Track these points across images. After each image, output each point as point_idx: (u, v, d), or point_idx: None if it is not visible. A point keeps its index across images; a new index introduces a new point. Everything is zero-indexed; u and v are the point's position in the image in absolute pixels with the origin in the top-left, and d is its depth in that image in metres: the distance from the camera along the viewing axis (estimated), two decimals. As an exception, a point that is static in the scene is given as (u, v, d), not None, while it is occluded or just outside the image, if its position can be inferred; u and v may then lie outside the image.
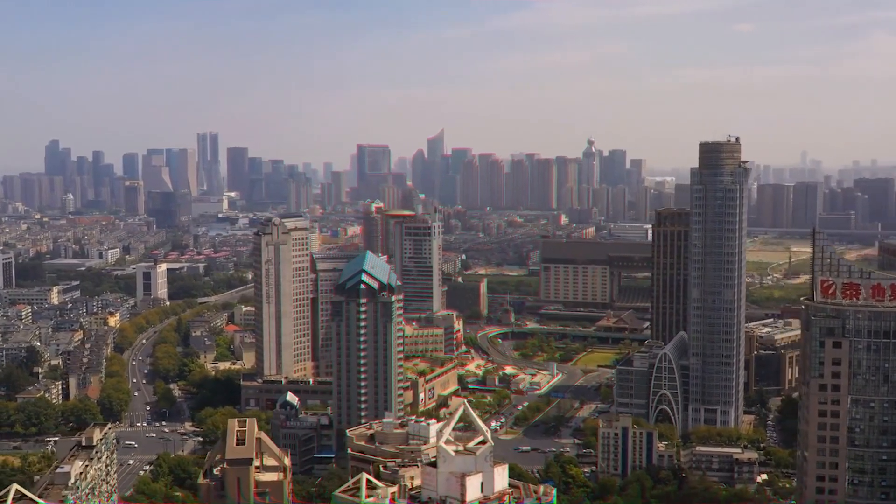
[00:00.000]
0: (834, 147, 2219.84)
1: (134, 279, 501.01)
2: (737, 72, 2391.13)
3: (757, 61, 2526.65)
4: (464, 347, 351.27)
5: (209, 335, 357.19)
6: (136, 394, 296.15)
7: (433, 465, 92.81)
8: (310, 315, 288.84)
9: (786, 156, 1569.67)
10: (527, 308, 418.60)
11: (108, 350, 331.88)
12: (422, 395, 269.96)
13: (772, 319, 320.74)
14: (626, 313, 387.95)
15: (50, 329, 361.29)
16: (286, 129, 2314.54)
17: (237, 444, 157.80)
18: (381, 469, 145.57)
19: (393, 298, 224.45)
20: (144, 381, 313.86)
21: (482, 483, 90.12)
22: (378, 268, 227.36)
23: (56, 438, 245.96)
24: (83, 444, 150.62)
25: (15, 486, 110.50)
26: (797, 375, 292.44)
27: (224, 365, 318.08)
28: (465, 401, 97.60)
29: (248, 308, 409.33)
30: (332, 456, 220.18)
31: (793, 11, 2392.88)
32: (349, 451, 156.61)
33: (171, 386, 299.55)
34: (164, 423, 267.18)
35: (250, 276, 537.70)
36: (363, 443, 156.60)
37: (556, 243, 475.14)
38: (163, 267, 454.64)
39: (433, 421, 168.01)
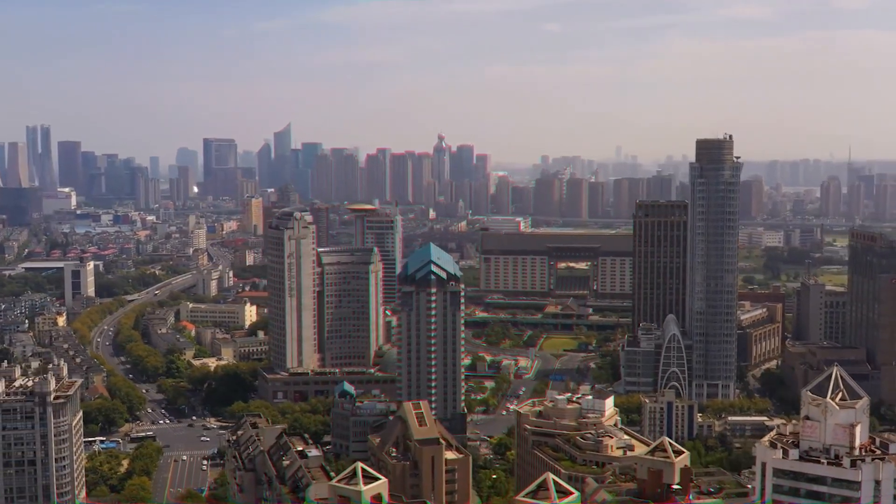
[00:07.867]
0: (644, 142, 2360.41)
1: (26, 279, 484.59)
2: (545, 70, 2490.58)
3: (564, 60, 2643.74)
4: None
5: (177, 332, 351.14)
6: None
7: (809, 418, 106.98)
8: (316, 308, 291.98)
9: (602, 150, 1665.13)
10: (468, 298, 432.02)
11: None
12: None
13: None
14: (568, 301, 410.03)
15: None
16: (108, 123, 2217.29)
17: (420, 426, 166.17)
18: (581, 440, 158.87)
19: (460, 288, 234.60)
20: (131, 378, 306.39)
21: (861, 432, 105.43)
22: (443, 258, 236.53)
23: (100, 438, 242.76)
24: (287, 431, 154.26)
25: (360, 465, 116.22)
26: (763, 351, 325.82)
27: (211, 361, 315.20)
28: (837, 363, 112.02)
29: (194, 305, 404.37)
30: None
31: (597, 12, 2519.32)
32: (525, 427, 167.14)
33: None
34: (187, 419, 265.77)
35: (157, 273, 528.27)
36: (536, 418, 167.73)
37: (496, 235, 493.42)
38: (90, 266, 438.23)
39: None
